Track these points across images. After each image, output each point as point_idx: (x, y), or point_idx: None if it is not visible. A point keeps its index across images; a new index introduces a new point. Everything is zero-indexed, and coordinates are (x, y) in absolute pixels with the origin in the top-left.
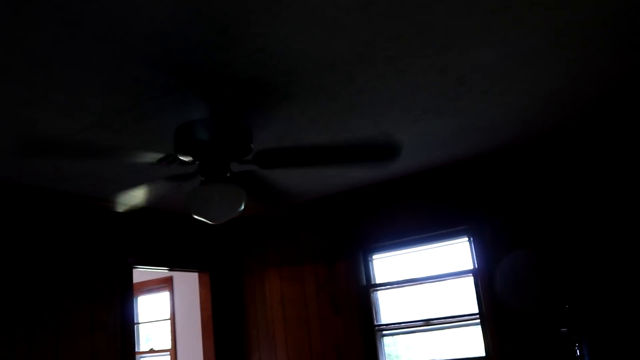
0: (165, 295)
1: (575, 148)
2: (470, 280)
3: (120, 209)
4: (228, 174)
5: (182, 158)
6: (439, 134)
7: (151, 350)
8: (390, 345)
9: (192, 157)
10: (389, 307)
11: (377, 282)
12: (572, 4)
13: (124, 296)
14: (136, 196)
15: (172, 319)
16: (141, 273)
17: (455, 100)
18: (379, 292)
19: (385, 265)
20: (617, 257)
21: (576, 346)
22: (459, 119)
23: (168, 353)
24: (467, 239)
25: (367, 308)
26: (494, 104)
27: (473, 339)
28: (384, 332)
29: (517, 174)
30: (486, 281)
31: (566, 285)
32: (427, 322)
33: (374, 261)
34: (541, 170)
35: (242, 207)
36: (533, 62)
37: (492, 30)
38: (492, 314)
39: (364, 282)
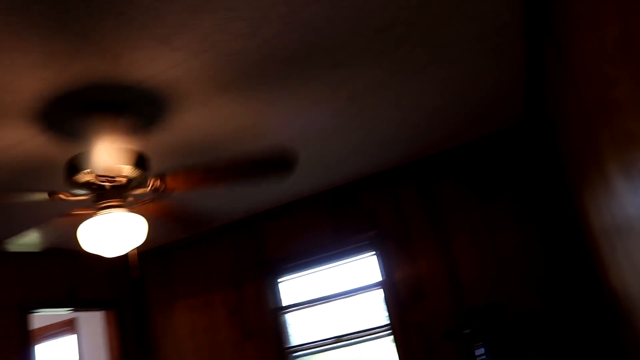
0: (70, 339)
1: (465, 160)
2: (380, 293)
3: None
4: (125, 203)
5: (74, 192)
6: (338, 151)
7: None
8: None
9: (86, 189)
10: (303, 327)
11: (288, 303)
12: (451, 23)
13: (21, 346)
14: (31, 238)
15: None
16: (41, 317)
17: (350, 118)
18: (291, 314)
19: (296, 285)
20: (513, 261)
21: (478, 346)
22: (355, 135)
23: None
24: (374, 252)
25: (278, 331)
26: (387, 120)
27: (387, 351)
28: (296, 354)
29: (414, 187)
30: (393, 293)
31: (469, 289)
32: (339, 338)
33: (283, 283)
34: (434, 184)
35: (143, 238)
36: (418, 79)
37: (378, 49)
38: (401, 325)
39: (274, 305)
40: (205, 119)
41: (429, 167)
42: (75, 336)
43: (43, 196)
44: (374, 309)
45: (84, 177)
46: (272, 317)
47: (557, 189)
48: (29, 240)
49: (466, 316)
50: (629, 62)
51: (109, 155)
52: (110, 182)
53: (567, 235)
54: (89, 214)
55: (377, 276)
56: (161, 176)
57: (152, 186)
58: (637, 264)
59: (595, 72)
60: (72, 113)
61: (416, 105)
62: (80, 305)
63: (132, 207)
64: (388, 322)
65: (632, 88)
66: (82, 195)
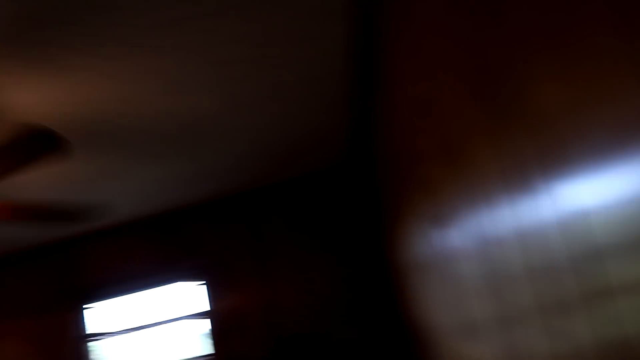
0: None
1: (291, 196)
2: (206, 322)
3: None
4: None
5: None
6: (165, 178)
7: None
8: None
9: None
10: (124, 354)
11: (105, 330)
12: (286, 64)
13: None
14: None
15: None
16: None
17: (180, 146)
18: (107, 340)
19: (117, 312)
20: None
21: None
22: (182, 164)
23: None
24: (204, 282)
25: (89, 359)
26: (221, 151)
27: None
28: None
29: (242, 218)
30: (218, 322)
31: (288, 320)
32: None
33: (103, 309)
34: (261, 217)
35: None
36: (254, 114)
37: (218, 82)
38: (224, 354)
39: (86, 332)
40: None
41: (257, 200)
42: None
43: None
44: (199, 338)
45: None
46: (84, 344)
47: (373, 227)
48: None
49: (276, 346)
50: (428, 117)
51: None
52: None
53: (377, 269)
54: None
55: (205, 305)
56: None
57: None
58: (434, 297)
59: (407, 121)
60: None
61: (246, 138)
62: None
63: None
64: (212, 351)
65: (429, 139)
66: None
